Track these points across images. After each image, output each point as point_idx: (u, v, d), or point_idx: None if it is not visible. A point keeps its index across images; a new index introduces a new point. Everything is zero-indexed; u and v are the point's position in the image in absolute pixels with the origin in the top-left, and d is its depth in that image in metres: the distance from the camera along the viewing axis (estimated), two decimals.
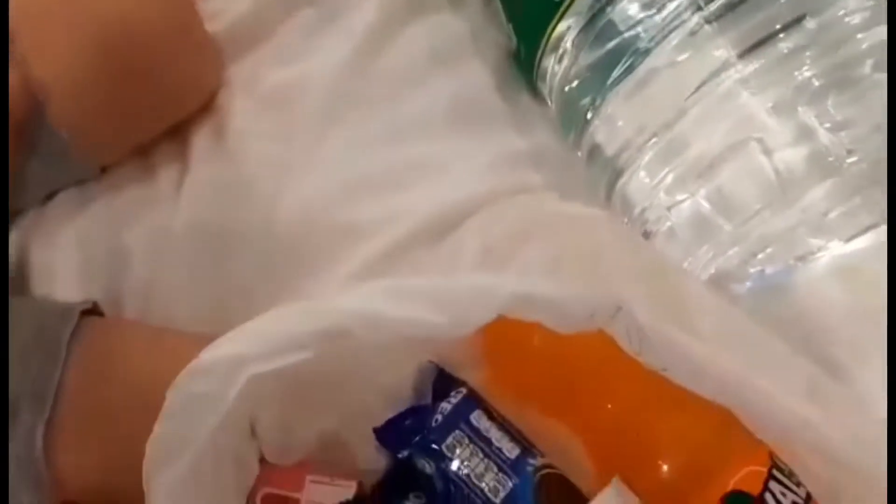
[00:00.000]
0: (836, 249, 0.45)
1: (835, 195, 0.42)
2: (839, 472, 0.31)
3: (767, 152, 0.38)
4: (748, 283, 0.44)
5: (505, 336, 0.39)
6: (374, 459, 0.37)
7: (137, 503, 0.30)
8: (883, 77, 0.38)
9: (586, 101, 0.42)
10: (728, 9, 0.38)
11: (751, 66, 0.38)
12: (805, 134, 0.38)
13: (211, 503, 0.32)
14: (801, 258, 0.45)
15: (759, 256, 0.43)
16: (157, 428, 0.30)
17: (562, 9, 0.40)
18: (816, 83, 0.38)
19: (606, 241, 0.35)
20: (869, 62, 0.38)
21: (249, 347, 0.31)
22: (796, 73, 0.38)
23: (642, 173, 0.40)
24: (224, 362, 0.30)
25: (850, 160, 0.39)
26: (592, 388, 0.37)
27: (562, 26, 0.41)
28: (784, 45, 0.38)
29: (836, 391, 0.32)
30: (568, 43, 0.41)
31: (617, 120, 0.43)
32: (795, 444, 0.32)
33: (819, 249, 0.44)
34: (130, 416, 0.32)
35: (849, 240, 0.44)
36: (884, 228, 0.45)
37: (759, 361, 0.32)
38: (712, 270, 0.42)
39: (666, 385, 0.35)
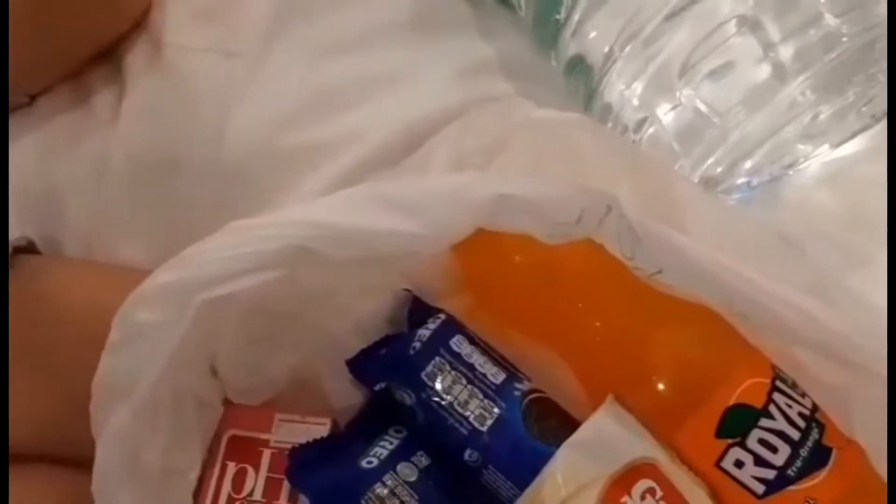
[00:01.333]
0: (824, 155, 0.43)
1: (825, 88, 0.39)
2: (847, 375, 0.29)
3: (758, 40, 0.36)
4: (737, 194, 0.42)
5: (484, 258, 0.36)
6: (348, 395, 0.34)
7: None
8: None
9: (560, 9, 0.40)
10: None
11: None
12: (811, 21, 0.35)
13: (170, 446, 0.29)
14: (790, 166, 0.43)
15: (747, 165, 0.41)
16: (101, 363, 0.27)
17: None
18: None
19: (587, 143, 0.33)
20: None
21: (200, 271, 0.27)
22: None
23: (621, 79, 0.37)
24: (173, 288, 0.27)
25: (841, 47, 0.36)
26: (578, 306, 0.34)
27: None
28: None
29: (839, 288, 0.30)
30: None
31: (592, 28, 0.40)
32: (799, 346, 0.30)
33: (808, 156, 0.43)
34: (75, 352, 0.29)
35: (838, 145, 0.43)
36: (872, 131, 0.43)
37: (758, 258, 0.29)
38: (697, 179, 0.40)
39: (657, 298, 0.32)
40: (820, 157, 0.43)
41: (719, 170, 0.40)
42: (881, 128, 0.42)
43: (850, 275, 0.38)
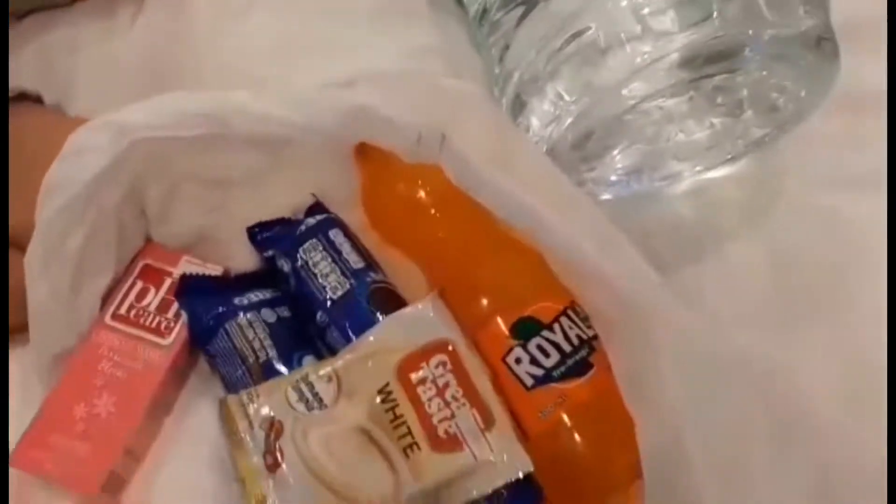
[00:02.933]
0: (696, 175, 0.51)
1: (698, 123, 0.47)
2: (617, 308, 0.37)
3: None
4: (609, 191, 0.50)
5: (375, 183, 0.45)
6: (245, 257, 0.44)
7: None
8: None
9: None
10: None
11: None
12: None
13: (88, 247, 0.39)
14: (665, 179, 0.51)
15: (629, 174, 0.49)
16: (50, 168, 0.37)
17: None
18: None
19: (468, 106, 0.41)
20: None
21: (136, 117, 0.37)
22: None
23: (518, 44, 0.44)
24: (112, 124, 0.37)
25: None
26: (434, 226, 0.43)
27: None
28: None
29: (619, 237, 0.38)
30: None
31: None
32: (584, 279, 0.38)
33: (681, 173, 0.50)
34: (41, 169, 0.38)
35: (708, 168, 0.50)
36: (740, 161, 0.50)
37: (557, 202, 0.38)
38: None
39: (494, 228, 0.41)
40: (692, 176, 0.51)
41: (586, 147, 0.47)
42: (751, 158, 0.49)
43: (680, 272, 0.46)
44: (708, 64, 0.41)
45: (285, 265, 0.42)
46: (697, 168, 0.50)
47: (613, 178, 0.49)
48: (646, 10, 0.40)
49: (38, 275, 0.38)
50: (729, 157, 0.49)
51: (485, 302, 0.41)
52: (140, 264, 0.42)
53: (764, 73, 0.42)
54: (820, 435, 0.39)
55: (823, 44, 0.41)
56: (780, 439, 0.35)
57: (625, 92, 0.41)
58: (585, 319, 0.40)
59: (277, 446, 0.37)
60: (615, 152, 0.47)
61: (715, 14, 0.39)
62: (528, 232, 0.38)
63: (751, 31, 0.39)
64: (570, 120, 0.42)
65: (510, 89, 0.45)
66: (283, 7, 0.50)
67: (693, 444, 0.33)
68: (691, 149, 0.48)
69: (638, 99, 0.41)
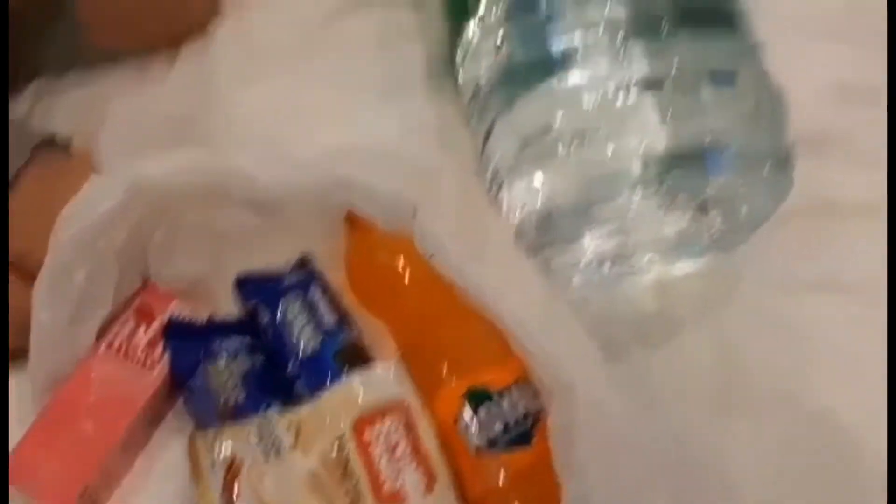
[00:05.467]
0: (663, 267, 0.54)
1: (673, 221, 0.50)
2: (555, 383, 0.40)
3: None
4: (581, 275, 0.53)
5: (363, 252, 0.49)
6: (231, 308, 0.48)
7: None
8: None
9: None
10: None
11: None
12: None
13: (90, 285, 0.43)
14: (632, 268, 0.54)
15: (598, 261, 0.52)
16: (67, 205, 0.41)
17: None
18: None
19: (444, 182, 0.45)
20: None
21: (147, 168, 0.42)
22: None
23: (498, 131, 0.47)
24: (123, 173, 0.42)
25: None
26: (405, 293, 0.46)
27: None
28: None
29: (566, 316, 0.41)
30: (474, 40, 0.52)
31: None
32: (530, 354, 0.41)
33: (647, 265, 0.53)
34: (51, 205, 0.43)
35: (674, 262, 0.53)
36: (703, 258, 0.53)
37: (511, 280, 0.41)
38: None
39: (457, 298, 0.44)
40: (658, 268, 0.53)
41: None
42: (714, 256, 0.52)
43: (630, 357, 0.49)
44: (674, 166, 0.44)
45: (265, 316, 0.46)
46: (663, 261, 0.52)
47: (581, 264, 0.52)
48: (616, 108, 0.43)
49: (44, 304, 0.42)
50: (694, 253, 0.52)
51: (443, 367, 0.44)
52: (136, 302, 0.46)
53: (726, 179, 0.46)
54: None
55: (781, 158, 0.45)
56: None
57: (592, 185, 0.45)
58: (534, 391, 0.43)
59: (235, 485, 0.40)
60: (584, 239, 0.51)
61: (674, 122, 0.42)
62: (482, 304, 0.42)
63: (710, 141, 0.43)
64: (536, 206, 0.46)
65: (490, 170, 0.49)
66: (297, 76, 0.54)
67: None
68: (658, 242, 0.51)
69: (604, 195, 0.45)
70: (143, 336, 0.45)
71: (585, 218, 0.47)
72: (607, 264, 0.52)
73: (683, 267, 0.52)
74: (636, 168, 0.43)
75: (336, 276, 0.49)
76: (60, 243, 0.41)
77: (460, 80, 0.53)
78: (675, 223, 0.50)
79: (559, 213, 0.46)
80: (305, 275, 0.47)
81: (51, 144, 0.48)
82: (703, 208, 0.49)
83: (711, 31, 0.43)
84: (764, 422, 0.43)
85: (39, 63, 0.55)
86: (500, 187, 0.49)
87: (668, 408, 0.44)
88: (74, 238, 0.41)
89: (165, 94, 0.55)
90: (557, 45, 0.45)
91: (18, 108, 0.55)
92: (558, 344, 0.40)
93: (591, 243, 0.50)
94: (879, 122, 0.50)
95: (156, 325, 0.46)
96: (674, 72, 0.41)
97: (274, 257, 0.48)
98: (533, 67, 0.46)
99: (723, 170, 0.43)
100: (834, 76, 0.53)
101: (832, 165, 0.50)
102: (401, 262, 0.47)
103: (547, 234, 0.47)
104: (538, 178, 0.44)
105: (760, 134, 0.43)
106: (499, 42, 0.49)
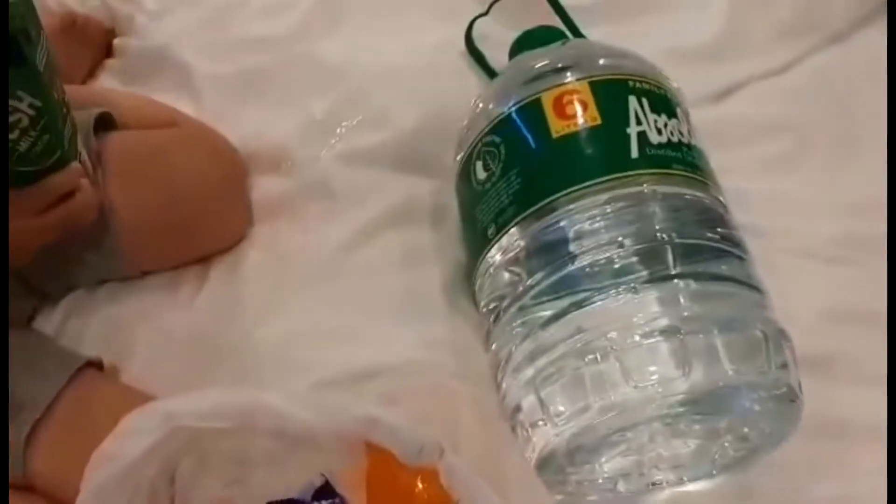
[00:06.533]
0: (676, 485, 0.55)
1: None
2: None
3: None
4: (598, 492, 0.54)
5: (382, 473, 0.50)
6: None
7: None
8: None
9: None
10: None
11: None
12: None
13: None
14: (648, 486, 0.55)
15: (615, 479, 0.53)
16: (104, 443, 0.43)
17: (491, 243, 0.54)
18: None
19: (463, 412, 0.47)
20: None
21: (181, 406, 0.44)
22: None
23: (518, 355, 0.50)
24: (159, 412, 0.43)
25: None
26: None
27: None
28: None
29: None
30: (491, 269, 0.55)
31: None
32: None
33: (662, 483, 0.55)
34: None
35: (688, 481, 0.54)
36: (717, 478, 0.54)
37: None
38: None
39: None
40: (672, 487, 0.54)
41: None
42: (727, 475, 0.54)
43: None
44: (689, 404, 0.47)
45: None
46: (678, 480, 0.55)
47: (599, 481, 0.54)
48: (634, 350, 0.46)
49: None
50: (707, 472, 0.54)
51: None
52: None
53: (738, 414, 0.48)
54: None
55: (788, 394, 0.47)
56: None
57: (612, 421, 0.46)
58: None
59: None
60: (602, 459, 0.52)
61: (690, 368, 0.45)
62: None
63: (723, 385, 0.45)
64: (563, 436, 0.47)
65: (507, 393, 0.51)
66: (321, 297, 0.58)
67: None
68: (674, 463, 0.54)
69: (624, 427, 0.47)
70: None
71: (605, 444, 0.49)
72: (623, 481, 0.54)
73: (697, 486, 0.54)
74: (654, 409, 0.46)
75: (357, 497, 0.50)
76: (98, 478, 0.42)
77: (480, 303, 0.56)
78: (688, 445, 0.52)
79: (582, 450, 0.47)
80: (328, 500, 0.48)
81: (90, 367, 0.50)
82: (715, 435, 0.51)
83: (718, 284, 0.47)
84: None
85: (73, 282, 0.58)
86: (518, 410, 0.51)
87: None
88: (112, 475, 0.42)
89: (192, 313, 0.57)
90: (577, 274, 0.49)
91: (50, 325, 0.57)
92: None
93: (610, 462, 0.51)
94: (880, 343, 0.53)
95: None
96: (686, 320, 0.44)
97: (297, 478, 0.50)
98: (553, 295, 0.49)
99: (735, 408, 0.45)
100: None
101: (839, 385, 0.53)
102: (420, 485, 0.48)
103: (570, 457, 0.48)
104: (561, 418, 0.46)
105: (770, 372, 0.46)
106: (518, 268, 0.52)
